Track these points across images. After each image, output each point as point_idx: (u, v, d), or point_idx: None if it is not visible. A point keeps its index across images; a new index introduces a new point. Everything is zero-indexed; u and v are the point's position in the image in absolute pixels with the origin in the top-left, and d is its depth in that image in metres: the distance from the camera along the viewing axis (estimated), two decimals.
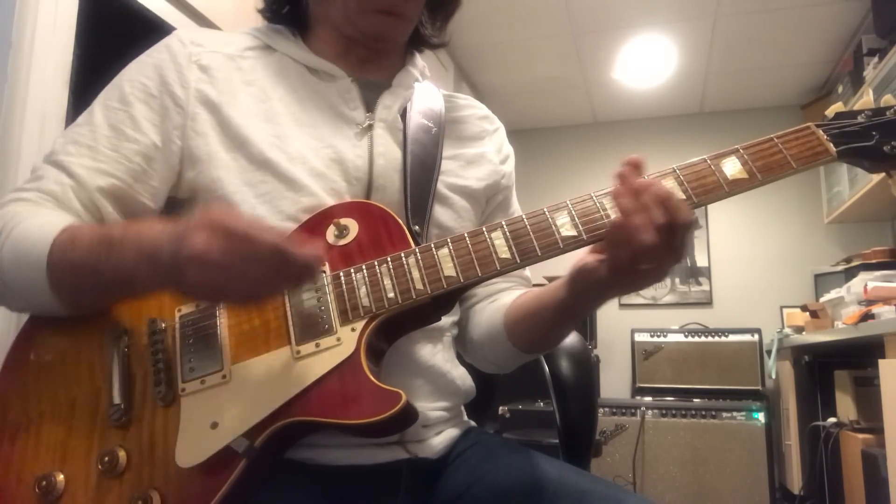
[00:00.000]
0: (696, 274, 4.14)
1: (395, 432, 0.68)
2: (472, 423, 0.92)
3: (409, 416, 0.65)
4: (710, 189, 0.68)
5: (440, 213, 0.84)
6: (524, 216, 0.70)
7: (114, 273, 0.66)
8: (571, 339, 1.13)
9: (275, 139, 0.78)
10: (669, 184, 0.68)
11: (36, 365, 0.71)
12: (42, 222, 0.69)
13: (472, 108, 0.98)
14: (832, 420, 2.70)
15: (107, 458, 0.65)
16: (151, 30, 0.82)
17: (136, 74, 0.80)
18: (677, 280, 4.15)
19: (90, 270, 0.67)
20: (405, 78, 0.89)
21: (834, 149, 0.70)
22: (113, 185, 0.75)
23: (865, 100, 0.73)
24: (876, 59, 2.85)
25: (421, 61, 0.95)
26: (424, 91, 0.91)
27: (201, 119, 0.78)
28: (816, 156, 0.70)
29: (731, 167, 0.69)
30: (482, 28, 3.26)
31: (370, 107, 0.84)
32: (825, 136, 0.71)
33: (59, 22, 1.30)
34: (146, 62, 0.81)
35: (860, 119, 0.72)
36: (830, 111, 0.74)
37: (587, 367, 1.15)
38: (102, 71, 0.81)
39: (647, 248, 0.62)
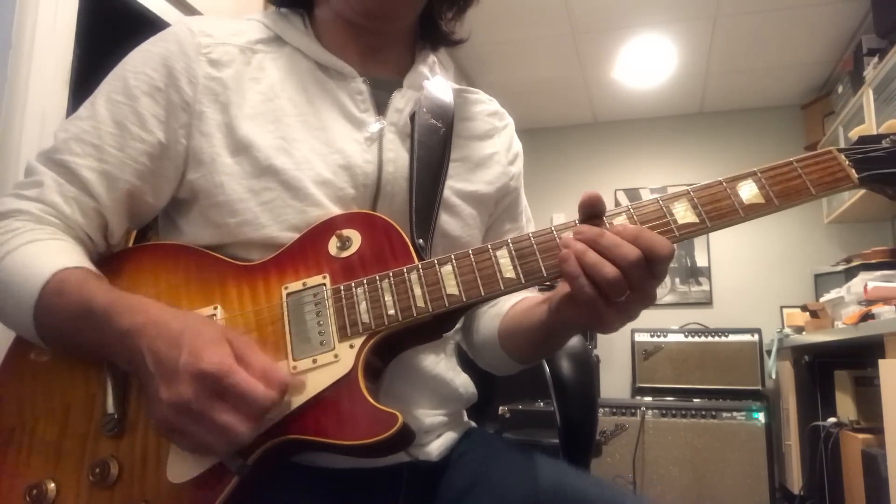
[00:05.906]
0: (696, 274, 4.14)
1: (390, 453, 0.65)
2: (473, 424, 0.92)
3: (405, 438, 0.62)
4: (724, 213, 0.65)
5: (446, 222, 0.82)
6: (531, 235, 0.67)
7: (99, 351, 0.65)
8: (571, 339, 1.13)
9: (281, 141, 0.75)
10: (682, 206, 0.66)
11: (32, 369, 0.70)
12: (35, 262, 0.67)
13: (482, 104, 0.95)
14: (832, 420, 2.69)
15: (98, 469, 0.64)
16: (152, 30, 0.81)
17: (142, 66, 0.76)
18: (677, 280, 4.15)
19: (73, 333, 0.66)
20: (415, 78, 0.86)
21: (856, 175, 0.66)
22: (122, 190, 0.74)
23: (890, 123, 0.70)
24: (876, 59, 2.85)
25: (432, 56, 0.92)
26: (435, 87, 0.88)
27: (207, 118, 0.75)
28: (837, 182, 0.66)
29: (748, 191, 0.66)
30: (482, 28, 3.25)
31: (381, 109, 0.81)
32: (847, 162, 0.67)
33: (59, 22, 1.30)
34: (152, 52, 0.77)
35: (885, 144, 0.68)
36: (854, 134, 0.70)
37: (587, 367, 1.15)
38: (102, 71, 0.78)
39: (607, 281, 0.60)
